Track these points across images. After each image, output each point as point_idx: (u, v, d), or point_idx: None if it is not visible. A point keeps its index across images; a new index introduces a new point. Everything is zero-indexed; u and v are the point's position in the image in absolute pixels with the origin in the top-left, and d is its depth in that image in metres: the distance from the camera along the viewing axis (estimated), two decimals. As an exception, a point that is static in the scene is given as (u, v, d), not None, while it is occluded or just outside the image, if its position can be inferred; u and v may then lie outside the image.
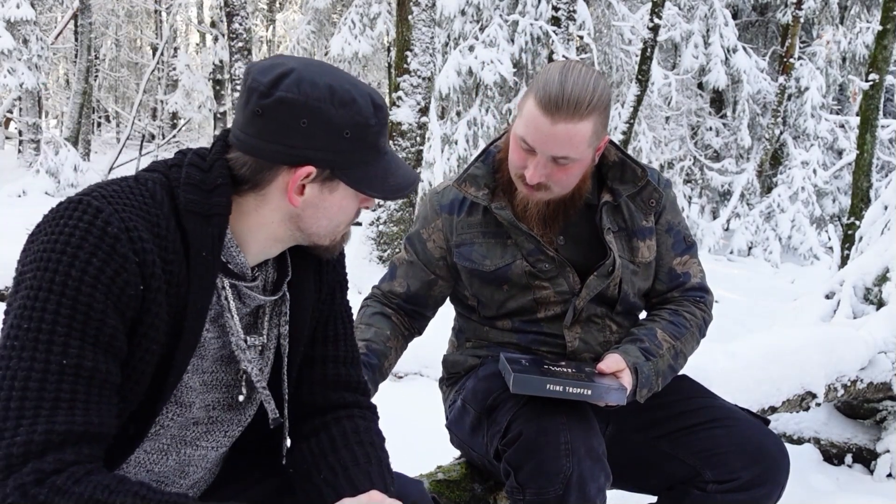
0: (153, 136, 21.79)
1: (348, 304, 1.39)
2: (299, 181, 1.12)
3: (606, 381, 1.61)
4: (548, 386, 1.52)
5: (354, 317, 1.65)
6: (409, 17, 7.98)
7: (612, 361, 1.67)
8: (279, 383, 1.29)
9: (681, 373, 1.97)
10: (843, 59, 16.29)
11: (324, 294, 1.33)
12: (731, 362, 2.69)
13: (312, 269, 1.29)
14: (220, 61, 17.30)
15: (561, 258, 1.77)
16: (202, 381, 1.20)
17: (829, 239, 13.97)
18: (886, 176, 12.82)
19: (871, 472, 3.32)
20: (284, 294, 1.26)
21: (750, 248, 14.52)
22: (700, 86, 15.60)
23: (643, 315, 1.94)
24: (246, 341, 1.21)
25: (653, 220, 1.87)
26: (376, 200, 1.22)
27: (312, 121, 1.09)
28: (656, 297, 1.89)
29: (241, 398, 1.24)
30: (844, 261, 6.96)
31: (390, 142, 8.34)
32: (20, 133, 17.31)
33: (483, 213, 1.81)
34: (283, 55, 1.16)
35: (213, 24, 18.70)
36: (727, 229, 15.15)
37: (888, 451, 3.27)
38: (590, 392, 1.55)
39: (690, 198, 15.80)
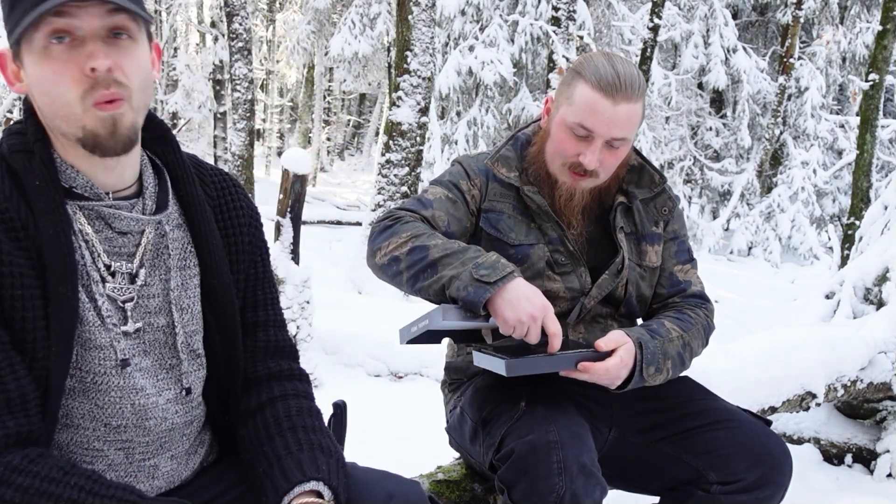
0: (153, 136, 21.65)
1: (272, 272, 1.39)
2: (9, 67, 1.14)
3: (585, 352, 1.60)
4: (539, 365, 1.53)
5: (380, 233, 1.66)
6: (409, 17, 7.98)
7: (612, 337, 1.62)
8: (211, 324, 1.27)
9: (683, 374, 1.96)
10: (843, 59, 16.30)
11: (234, 251, 1.30)
12: (731, 362, 2.69)
13: (209, 208, 1.28)
14: (220, 61, 17.30)
15: (578, 254, 1.77)
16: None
17: (829, 239, 13.95)
18: (886, 176, 12.81)
19: (871, 472, 3.32)
20: (185, 231, 1.24)
21: (750, 248, 14.53)
22: (700, 86, 15.61)
23: (640, 321, 1.93)
24: (109, 267, 1.17)
25: (662, 227, 1.87)
26: (99, 63, 1.05)
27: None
28: (657, 302, 1.88)
29: (125, 328, 1.18)
30: (844, 261, 6.95)
31: (390, 141, 8.38)
32: (20, 133, 17.28)
33: (516, 191, 1.80)
34: None
35: (213, 24, 18.71)
36: (727, 229, 15.15)
37: (888, 451, 3.27)
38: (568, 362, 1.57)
39: (690, 198, 15.81)
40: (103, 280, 1.17)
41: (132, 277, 1.20)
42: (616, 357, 1.58)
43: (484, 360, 1.60)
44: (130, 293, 1.19)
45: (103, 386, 1.17)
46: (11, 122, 1.23)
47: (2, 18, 1.12)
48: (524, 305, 1.48)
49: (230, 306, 1.28)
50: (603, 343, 1.60)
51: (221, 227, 1.30)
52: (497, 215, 1.77)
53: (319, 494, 1.17)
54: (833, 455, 3.44)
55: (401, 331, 1.60)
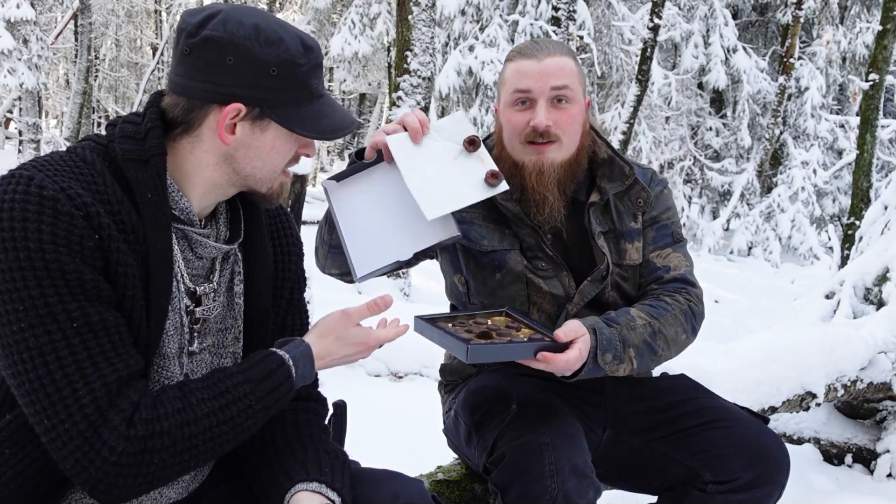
0: (153, 136, 21.68)
1: (305, 303, 1.43)
2: (228, 119, 1.14)
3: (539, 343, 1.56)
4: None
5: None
6: (409, 17, 7.98)
7: (570, 326, 1.57)
8: (248, 345, 1.30)
9: (680, 373, 1.96)
10: (843, 59, 16.31)
11: (280, 278, 1.35)
12: (731, 362, 2.69)
13: (268, 237, 1.33)
14: (220, 61, 17.28)
15: (558, 259, 1.76)
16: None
17: (829, 239, 13.95)
18: (886, 176, 12.82)
19: (871, 472, 3.33)
20: (237, 253, 1.28)
21: (750, 248, 14.54)
22: (700, 86, 15.61)
23: None
24: (196, 291, 1.22)
25: (640, 219, 1.82)
26: (316, 145, 1.23)
27: (238, 58, 1.11)
28: (639, 292, 1.83)
29: (192, 347, 1.23)
30: (844, 261, 6.96)
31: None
32: (20, 133, 17.30)
33: (488, 199, 1.77)
34: (218, 3, 1.19)
35: (213, 24, 18.69)
36: (727, 229, 15.15)
37: (888, 451, 3.27)
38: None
39: (690, 198, 15.81)
40: (183, 300, 1.21)
41: (199, 300, 1.24)
42: (575, 350, 1.53)
43: (443, 339, 1.54)
44: (197, 315, 1.24)
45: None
46: (123, 117, 1.21)
47: (244, 73, 1.12)
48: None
49: (265, 328, 1.31)
50: (562, 334, 1.55)
51: (273, 254, 1.35)
52: (468, 226, 1.76)
53: (323, 496, 1.18)
54: (833, 455, 3.44)
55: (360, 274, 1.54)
